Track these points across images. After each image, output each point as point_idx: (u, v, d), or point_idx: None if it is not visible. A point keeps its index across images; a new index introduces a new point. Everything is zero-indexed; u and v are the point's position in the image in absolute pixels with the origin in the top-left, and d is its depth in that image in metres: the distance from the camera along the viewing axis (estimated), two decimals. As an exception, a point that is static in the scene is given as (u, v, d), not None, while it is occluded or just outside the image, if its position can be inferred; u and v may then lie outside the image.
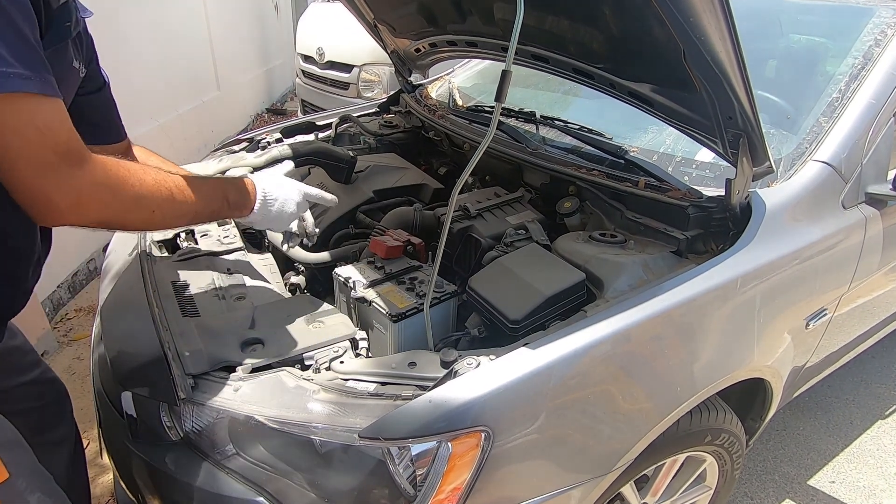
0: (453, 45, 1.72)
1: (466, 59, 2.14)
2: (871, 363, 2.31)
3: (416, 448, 0.80)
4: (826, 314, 1.33)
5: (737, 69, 0.87)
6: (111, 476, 1.47)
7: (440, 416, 0.79)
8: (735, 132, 1.03)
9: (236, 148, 1.78)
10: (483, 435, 0.81)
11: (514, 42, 0.70)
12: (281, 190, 1.05)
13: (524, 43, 1.35)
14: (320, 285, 1.39)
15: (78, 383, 2.14)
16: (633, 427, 0.98)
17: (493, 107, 1.75)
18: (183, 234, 1.36)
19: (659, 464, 1.19)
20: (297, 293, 1.35)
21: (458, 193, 0.93)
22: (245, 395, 0.89)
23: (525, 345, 0.89)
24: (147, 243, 1.35)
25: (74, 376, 2.18)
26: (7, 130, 0.59)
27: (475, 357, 0.88)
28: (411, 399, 0.83)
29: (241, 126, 4.96)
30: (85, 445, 1.29)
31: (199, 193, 0.88)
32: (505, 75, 0.74)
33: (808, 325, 1.28)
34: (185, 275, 1.21)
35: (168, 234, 1.37)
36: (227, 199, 0.96)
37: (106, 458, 1.16)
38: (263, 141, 1.81)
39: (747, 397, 1.36)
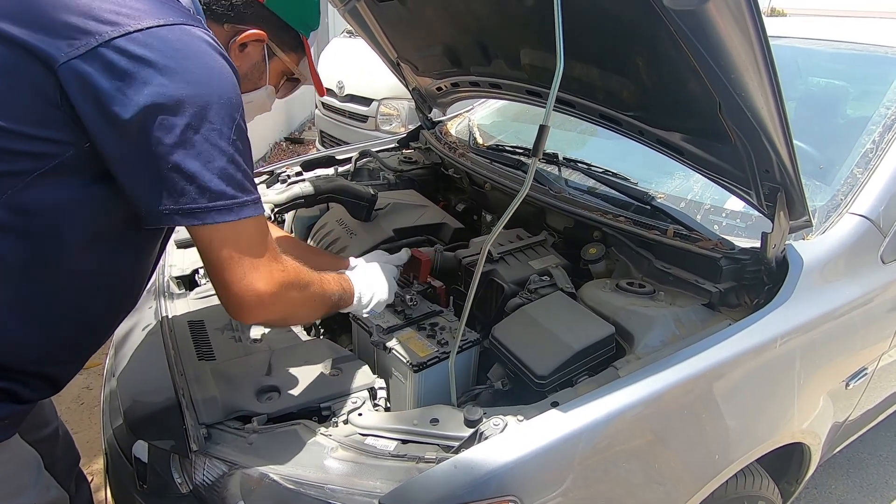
0: (476, 86, 1.72)
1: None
2: (905, 417, 2.20)
3: (439, 517, 0.75)
4: (866, 373, 1.26)
5: (778, 124, 0.84)
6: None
7: (465, 484, 0.74)
8: (772, 185, 1.00)
9: (256, 180, 1.78)
10: (510, 504, 0.76)
11: (553, 99, 0.68)
12: (372, 288, 1.07)
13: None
14: (336, 324, 1.36)
15: (86, 414, 2.10)
16: (668, 497, 0.92)
17: (514, 146, 1.74)
18: (201, 271, 1.35)
19: (691, 532, 1.11)
20: (314, 334, 1.32)
21: (480, 236, 0.89)
22: (259, 449, 0.85)
23: (553, 404, 0.85)
24: (165, 279, 1.34)
25: (83, 406, 2.15)
26: (245, 239, 0.73)
27: (501, 417, 0.84)
28: (434, 462, 0.78)
29: (259, 154, 5.03)
30: (90, 481, 1.25)
31: (334, 284, 0.94)
32: (542, 130, 0.72)
33: (847, 385, 1.21)
34: (202, 314, 1.19)
35: (186, 269, 1.35)
36: (343, 288, 0.98)
37: (110, 499, 1.12)
38: (283, 175, 1.81)
39: (783, 459, 1.28)
